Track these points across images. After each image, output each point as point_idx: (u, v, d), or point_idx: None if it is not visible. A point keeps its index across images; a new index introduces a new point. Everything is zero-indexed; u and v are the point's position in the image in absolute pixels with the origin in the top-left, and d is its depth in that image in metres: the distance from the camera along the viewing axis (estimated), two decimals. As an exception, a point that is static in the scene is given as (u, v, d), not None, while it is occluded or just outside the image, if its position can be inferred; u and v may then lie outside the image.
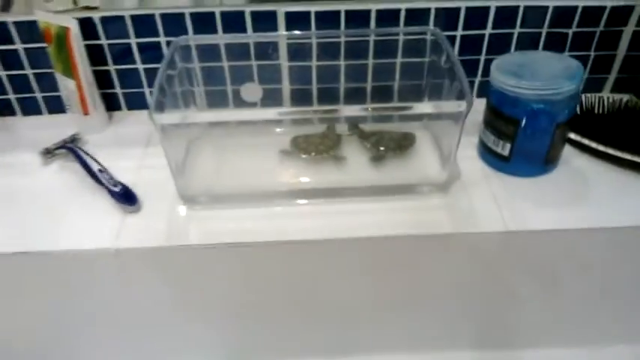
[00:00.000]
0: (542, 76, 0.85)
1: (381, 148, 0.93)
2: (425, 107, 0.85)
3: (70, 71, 0.98)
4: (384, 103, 1.08)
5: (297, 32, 0.98)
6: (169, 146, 0.80)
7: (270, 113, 0.79)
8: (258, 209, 0.86)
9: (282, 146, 0.93)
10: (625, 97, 1.06)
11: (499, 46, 1.04)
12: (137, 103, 1.09)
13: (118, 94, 1.08)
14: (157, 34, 0.99)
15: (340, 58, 1.02)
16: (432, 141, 0.97)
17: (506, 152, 0.90)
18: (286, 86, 1.05)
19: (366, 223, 0.83)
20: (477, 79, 1.08)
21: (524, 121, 0.86)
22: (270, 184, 0.89)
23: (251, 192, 0.87)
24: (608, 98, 1.05)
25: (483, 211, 0.85)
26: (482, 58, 1.05)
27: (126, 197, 0.86)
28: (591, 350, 0.98)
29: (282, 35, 0.98)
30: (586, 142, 0.97)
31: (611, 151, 0.94)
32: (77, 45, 0.96)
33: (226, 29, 0.99)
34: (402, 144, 0.94)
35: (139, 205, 0.86)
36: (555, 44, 1.04)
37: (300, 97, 1.06)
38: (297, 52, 1.00)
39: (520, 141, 0.88)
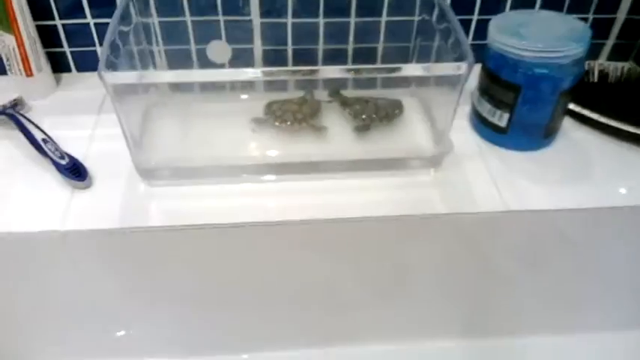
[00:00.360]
0: (547, 37, 0.76)
1: (365, 117, 0.83)
2: (416, 70, 0.75)
3: (8, 24, 0.85)
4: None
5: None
6: (124, 112, 0.69)
7: (240, 75, 0.67)
8: (228, 185, 0.76)
9: (254, 114, 0.82)
10: (625, 65, 0.98)
11: (493, 4, 0.94)
12: (88, 64, 0.97)
13: (67, 53, 0.95)
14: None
15: (319, 15, 0.90)
16: (422, 109, 0.88)
17: (503, 123, 0.82)
18: (258, 46, 0.93)
19: (349, 202, 0.75)
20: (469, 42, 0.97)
21: (524, 88, 0.77)
22: (240, 156, 0.79)
23: (219, 166, 0.77)
24: (607, 66, 0.97)
25: (479, 189, 0.77)
26: (475, 18, 0.96)
27: (74, 171, 0.75)
28: (584, 337, 0.92)
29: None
30: (586, 112, 0.88)
31: (612, 122, 0.86)
32: (15, -7, 0.82)
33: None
34: (389, 113, 0.84)
35: (90, 180, 0.76)
36: (552, 4, 0.95)
37: (274, 59, 0.95)
38: (271, 7, 0.89)
39: (519, 110, 0.79)
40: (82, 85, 0.96)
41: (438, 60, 0.81)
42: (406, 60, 0.96)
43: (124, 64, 0.73)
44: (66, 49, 0.95)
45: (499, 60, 0.78)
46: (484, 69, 0.82)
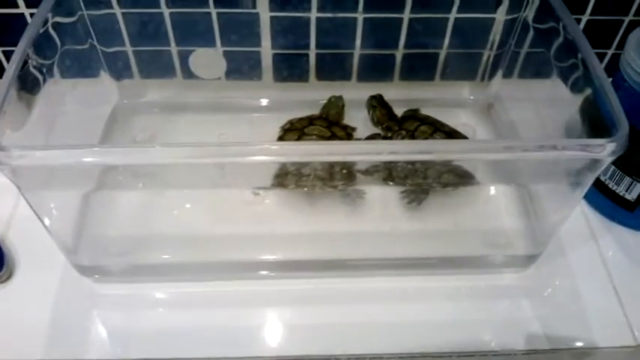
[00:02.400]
0: None
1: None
2: (515, 149, 0.43)
3: None
4: (419, 81, 0.68)
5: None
6: (44, 201, 0.42)
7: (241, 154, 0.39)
8: (209, 287, 0.52)
9: (254, 181, 0.53)
10: None
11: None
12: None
13: (-4, 52, 0.67)
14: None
15: (358, 6, 0.61)
16: (511, 182, 0.59)
17: (632, 195, 0.54)
18: (267, 50, 0.64)
19: (393, 323, 0.50)
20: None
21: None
22: (231, 247, 0.52)
23: (197, 261, 0.52)
24: None
25: (593, 301, 0.53)
26: (585, 18, 0.65)
27: None
28: None
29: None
30: None
31: None
32: None
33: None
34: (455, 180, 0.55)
35: (8, 271, 0.53)
36: None
37: (289, 68, 0.67)
38: (287, -5, 0.60)
39: (665, 183, 0.51)
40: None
41: (528, 75, 0.61)
42: (475, 74, 0.67)
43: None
44: (-7, 46, 0.67)
45: (638, 100, 0.49)
46: (611, 111, 0.52)
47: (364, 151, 0.41)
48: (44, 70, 0.50)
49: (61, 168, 0.40)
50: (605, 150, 0.39)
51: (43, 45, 0.50)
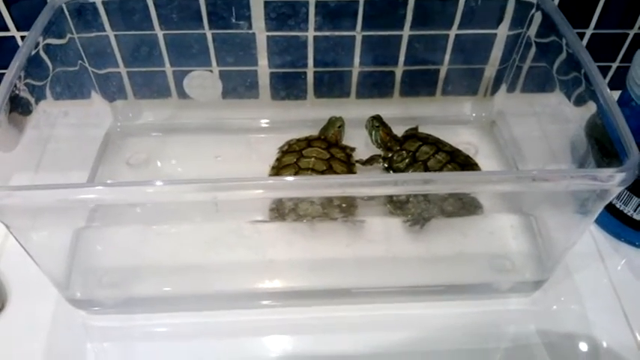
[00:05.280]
0: None
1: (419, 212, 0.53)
2: (524, 181, 0.41)
3: None
4: (419, 98, 0.67)
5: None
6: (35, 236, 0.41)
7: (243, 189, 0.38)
8: (208, 319, 0.50)
9: (250, 214, 0.51)
10: None
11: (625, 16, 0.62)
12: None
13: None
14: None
15: (356, 24, 0.59)
16: (517, 209, 0.57)
17: (640, 216, 0.52)
18: (264, 68, 0.63)
19: (399, 352, 0.48)
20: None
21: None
22: (226, 277, 0.50)
23: (192, 292, 0.50)
24: None
25: (604, 326, 0.51)
26: (590, 31, 0.64)
27: None
28: None
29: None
30: None
31: None
32: None
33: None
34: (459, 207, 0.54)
35: (0, 302, 0.51)
36: None
37: (287, 87, 0.66)
38: (283, 13, 0.58)
39: (676, 205, 0.50)
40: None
41: (531, 91, 0.60)
42: (477, 90, 0.66)
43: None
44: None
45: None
46: (619, 130, 0.51)
47: (363, 184, 0.39)
48: (35, 93, 0.49)
49: (49, 206, 0.38)
50: (614, 180, 0.38)
51: (34, 68, 0.49)
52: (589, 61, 0.46)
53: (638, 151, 0.39)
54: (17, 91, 0.46)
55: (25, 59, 0.47)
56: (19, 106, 0.46)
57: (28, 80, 0.47)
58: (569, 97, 0.50)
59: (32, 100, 0.49)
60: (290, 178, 0.40)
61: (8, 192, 0.36)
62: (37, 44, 0.49)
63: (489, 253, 0.54)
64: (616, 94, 0.52)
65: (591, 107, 0.45)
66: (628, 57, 0.64)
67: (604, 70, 0.68)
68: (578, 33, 0.62)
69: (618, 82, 0.61)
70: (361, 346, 0.49)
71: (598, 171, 0.39)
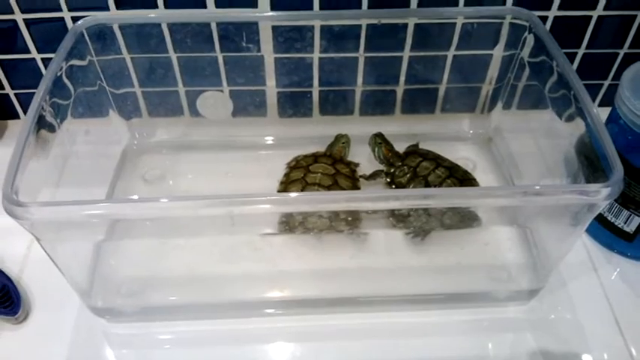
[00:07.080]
0: None
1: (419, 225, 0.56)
2: (516, 196, 0.44)
3: None
4: (420, 115, 0.70)
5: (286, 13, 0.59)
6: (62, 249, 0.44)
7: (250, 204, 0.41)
8: (222, 326, 0.53)
9: (261, 227, 0.54)
10: None
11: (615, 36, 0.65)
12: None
13: (10, 96, 0.69)
14: (58, 6, 0.60)
15: (359, 47, 0.63)
16: (513, 221, 0.60)
17: (631, 228, 0.55)
18: (272, 89, 0.66)
19: (401, 358, 0.51)
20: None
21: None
22: (239, 287, 0.53)
23: (206, 301, 0.53)
24: None
25: (596, 335, 0.53)
26: (582, 52, 0.67)
27: (3, 300, 0.53)
28: None
29: (265, 16, 0.59)
30: None
31: None
32: None
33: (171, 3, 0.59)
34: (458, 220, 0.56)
35: (24, 312, 0.54)
36: None
37: (293, 105, 0.69)
38: (289, 37, 0.62)
39: (663, 216, 0.52)
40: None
41: (526, 108, 0.63)
42: (474, 107, 0.69)
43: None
44: (8, 90, 0.68)
45: (634, 137, 0.50)
46: (608, 147, 0.54)
47: (367, 199, 0.42)
48: (60, 114, 0.52)
49: (75, 220, 0.42)
50: (600, 194, 0.41)
51: (58, 90, 0.52)
52: (577, 82, 0.49)
53: (622, 168, 0.41)
54: (44, 112, 0.49)
55: (50, 83, 0.50)
56: (45, 126, 0.49)
57: (53, 100, 0.51)
58: (560, 116, 0.53)
59: (57, 121, 0.52)
60: (299, 194, 0.43)
61: (40, 207, 0.39)
62: (61, 68, 0.53)
63: (487, 263, 0.57)
64: (607, 111, 0.56)
65: (580, 125, 0.48)
66: (619, 75, 0.66)
67: (596, 88, 0.71)
68: (570, 52, 0.67)
69: (610, 99, 0.64)
70: (365, 352, 0.51)
71: (586, 186, 0.42)
